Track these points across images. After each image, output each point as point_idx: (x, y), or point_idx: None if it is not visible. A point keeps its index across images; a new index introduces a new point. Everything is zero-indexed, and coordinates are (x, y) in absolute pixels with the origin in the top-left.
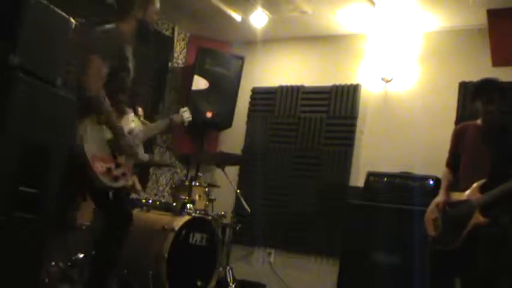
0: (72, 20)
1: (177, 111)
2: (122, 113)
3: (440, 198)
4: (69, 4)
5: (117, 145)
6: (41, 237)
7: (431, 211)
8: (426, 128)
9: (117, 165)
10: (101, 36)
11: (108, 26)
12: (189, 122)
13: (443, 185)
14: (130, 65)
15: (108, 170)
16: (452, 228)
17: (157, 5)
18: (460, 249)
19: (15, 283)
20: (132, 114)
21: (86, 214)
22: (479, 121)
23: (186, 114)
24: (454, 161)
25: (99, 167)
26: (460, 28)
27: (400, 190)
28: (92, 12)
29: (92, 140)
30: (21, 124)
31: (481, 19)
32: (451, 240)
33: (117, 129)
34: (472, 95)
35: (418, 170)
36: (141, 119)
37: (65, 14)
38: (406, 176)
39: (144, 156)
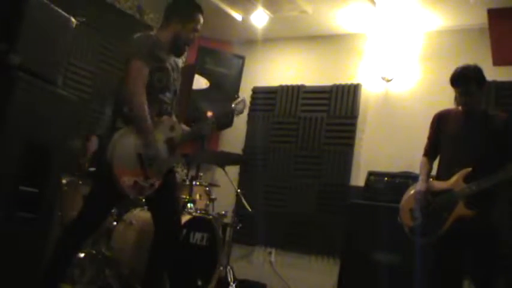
0: (73, 20)
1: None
2: (160, 116)
3: (419, 187)
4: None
5: (148, 160)
6: (41, 237)
7: (408, 200)
8: (427, 127)
9: (146, 177)
10: (137, 40)
11: (145, 33)
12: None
13: (423, 174)
14: (169, 67)
15: (135, 183)
16: (432, 218)
17: (198, 25)
18: (442, 242)
19: (16, 283)
20: (174, 119)
21: None
22: (460, 108)
23: (240, 105)
24: (433, 150)
25: (126, 180)
26: (460, 28)
27: (400, 190)
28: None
29: (123, 153)
30: (21, 124)
31: (482, 19)
32: (430, 232)
33: (152, 147)
34: (450, 84)
35: (419, 170)
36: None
37: (65, 14)
38: (406, 176)
39: (173, 161)
